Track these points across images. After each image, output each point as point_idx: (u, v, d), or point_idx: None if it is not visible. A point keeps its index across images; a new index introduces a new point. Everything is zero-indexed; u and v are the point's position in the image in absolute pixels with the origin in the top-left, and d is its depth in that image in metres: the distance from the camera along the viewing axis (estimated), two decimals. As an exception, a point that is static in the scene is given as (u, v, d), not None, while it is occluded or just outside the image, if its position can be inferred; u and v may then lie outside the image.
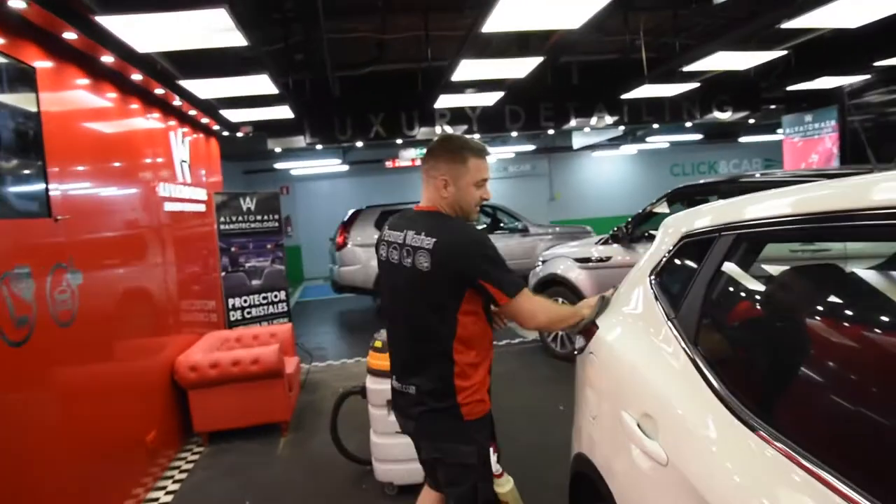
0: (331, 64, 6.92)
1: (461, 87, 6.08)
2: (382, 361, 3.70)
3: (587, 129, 9.04)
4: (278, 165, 14.17)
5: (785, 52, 5.50)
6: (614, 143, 14.64)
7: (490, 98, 6.50)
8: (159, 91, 4.64)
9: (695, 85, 6.73)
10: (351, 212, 10.29)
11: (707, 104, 8.52)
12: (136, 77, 4.21)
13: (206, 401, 4.82)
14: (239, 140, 8.01)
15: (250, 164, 14.25)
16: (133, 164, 4.46)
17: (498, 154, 16.22)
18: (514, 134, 8.75)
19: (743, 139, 16.58)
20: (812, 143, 8.63)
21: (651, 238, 5.94)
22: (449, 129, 7.94)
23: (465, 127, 8.11)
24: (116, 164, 4.15)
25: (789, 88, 7.73)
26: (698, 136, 14.68)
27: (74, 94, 3.69)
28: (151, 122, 4.95)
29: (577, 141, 11.67)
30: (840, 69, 7.07)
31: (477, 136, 8.48)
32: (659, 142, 15.45)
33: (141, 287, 4.41)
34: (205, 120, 5.92)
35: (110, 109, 4.17)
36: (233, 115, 5.97)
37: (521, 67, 5.09)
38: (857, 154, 7.93)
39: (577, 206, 17.30)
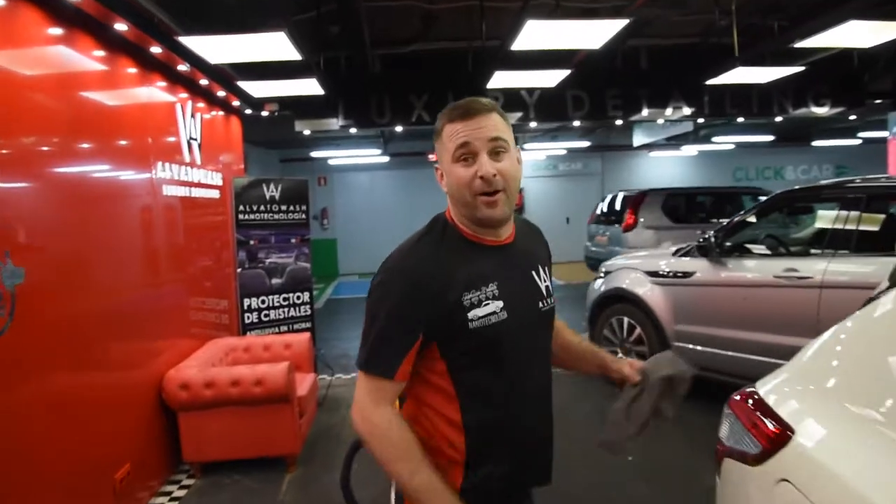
0: (370, 39, 6.03)
1: (521, 62, 5.08)
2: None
3: (661, 122, 7.93)
4: (316, 154, 13.38)
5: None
6: (674, 142, 13.43)
7: (553, 77, 5.49)
8: (156, 50, 3.77)
9: (798, 69, 5.60)
10: (637, 192, 9.78)
11: (801, 96, 7.33)
12: (120, 27, 3.34)
13: (198, 426, 3.97)
14: (268, 121, 7.17)
15: (287, 151, 13.52)
16: (117, 138, 3.61)
17: (548, 150, 15.15)
18: (577, 123, 7.71)
19: (816, 143, 15.14)
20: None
21: (746, 252, 4.90)
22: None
23: (520, 114, 7.10)
24: (91, 138, 3.30)
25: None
26: (769, 137, 13.34)
27: (28, 44, 2.85)
28: (150, 90, 4.10)
29: (639, 138, 10.53)
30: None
31: (533, 125, 7.47)
32: (724, 142, 14.13)
33: (117, 285, 3.55)
34: (221, 93, 5.07)
35: (87, 72, 3.33)
36: (253, 88, 5.09)
37: (597, 34, 4.08)
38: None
39: (630, 209, 16.12)
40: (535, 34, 4.08)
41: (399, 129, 7.46)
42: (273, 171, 13.25)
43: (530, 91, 6.95)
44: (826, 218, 4.97)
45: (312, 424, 4.64)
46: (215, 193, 5.28)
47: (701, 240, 4.82)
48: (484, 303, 1.32)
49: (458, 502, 1.28)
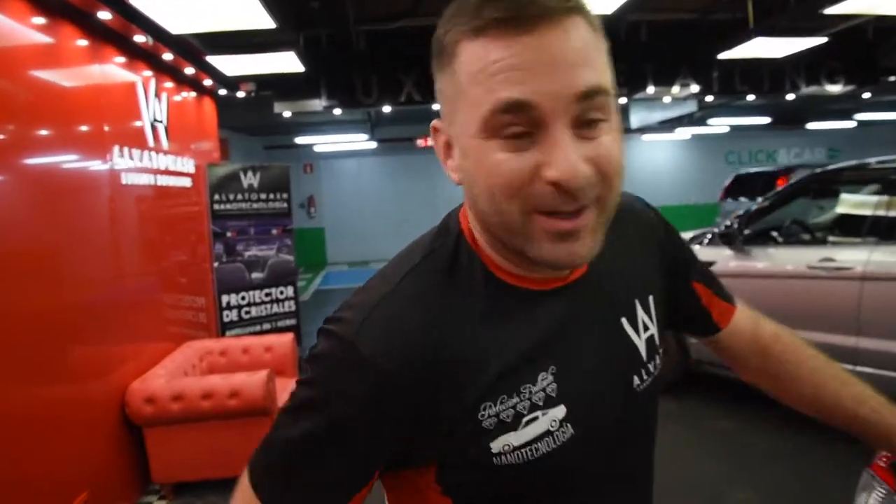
0: (354, 15, 5.49)
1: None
2: None
3: (667, 100, 7.45)
4: (301, 140, 12.81)
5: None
6: (667, 126, 12.99)
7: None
8: (105, 16, 3.22)
9: (819, 40, 5.12)
10: (780, 167, 9.12)
11: (815, 73, 6.87)
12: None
13: (167, 443, 3.48)
14: (245, 104, 6.62)
15: (271, 138, 12.93)
16: (64, 121, 3.08)
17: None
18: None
19: (810, 125, 14.76)
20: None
21: (771, 240, 4.45)
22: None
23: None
24: (31, 122, 2.78)
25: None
26: (766, 120, 12.92)
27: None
28: (105, 67, 3.55)
29: (637, 118, 10.03)
30: None
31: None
32: (719, 125, 13.70)
33: (72, 283, 3.04)
34: (189, 70, 4.52)
35: (25, 45, 2.80)
36: (227, 64, 4.55)
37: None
38: None
39: (623, 194, 15.72)
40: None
41: (387, 109, 6.93)
42: (257, 159, 12.67)
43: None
44: (851, 203, 4.54)
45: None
46: (187, 182, 4.74)
47: (724, 226, 4.37)
48: (527, 418, 0.67)
49: None
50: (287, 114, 6.72)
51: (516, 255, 0.68)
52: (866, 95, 7.65)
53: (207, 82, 4.93)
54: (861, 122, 14.06)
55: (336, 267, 14.41)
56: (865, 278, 3.57)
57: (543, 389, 0.68)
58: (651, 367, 0.80)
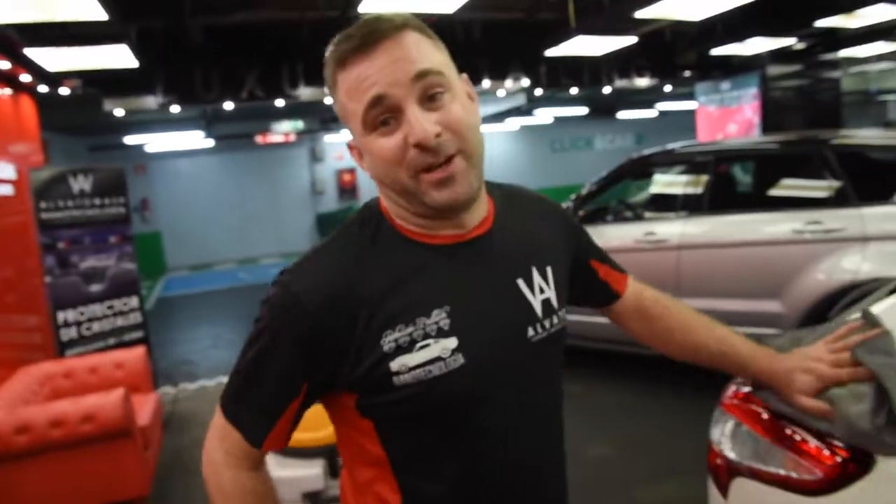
0: (190, 6, 5.14)
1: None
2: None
3: (501, 93, 7.79)
4: (130, 140, 11.71)
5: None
6: (498, 117, 13.63)
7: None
8: None
9: (631, 39, 5.65)
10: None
11: (626, 69, 7.55)
12: None
13: (14, 481, 3.08)
14: (70, 102, 5.96)
15: (96, 139, 11.70)
16: None
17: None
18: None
19: (620, 115, 16.21)
20: (729, 113, 7.96)
21: (602, 220, 4.85)
22: (344, 90, 6.32)
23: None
24: None
25: (714, 52, 6.91)
26: (584, 110, 13.98)
27: None
28: None
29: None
30: (768, 31, 6.31)
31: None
32: (544, 116, 14.61)
33: None
34: (5, 65, 3.97)
35: None
36: (48, 58, 4.04)
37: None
38: (776, 125, 7.33)
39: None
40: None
41: (230, 106, 6.56)
42: (82, 161, 11.34)
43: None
44: (663, 182, 5.09)
45: (160, 454, 3.86)
46: (7, 189, 4.19)
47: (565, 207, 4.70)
48: (420, 344, 0.82)
49: None
50: (119, 112, 6.13)
51: (421, 215, 0.86)
52: (667, 88, 8.55)
53: (25, 78, 4.36)
54: (662, 112, 15.68)
55: (177, 272, 13.45)
56: (681, 247, 4.03)
57: (437, 322, 0.84)
58: (547, 323, 0.93)
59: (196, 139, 12.12)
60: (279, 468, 2.27)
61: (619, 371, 4.55)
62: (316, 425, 2.22)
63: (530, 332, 0.91)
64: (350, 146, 0.92)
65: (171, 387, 5.26)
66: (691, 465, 3.18)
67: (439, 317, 0.84)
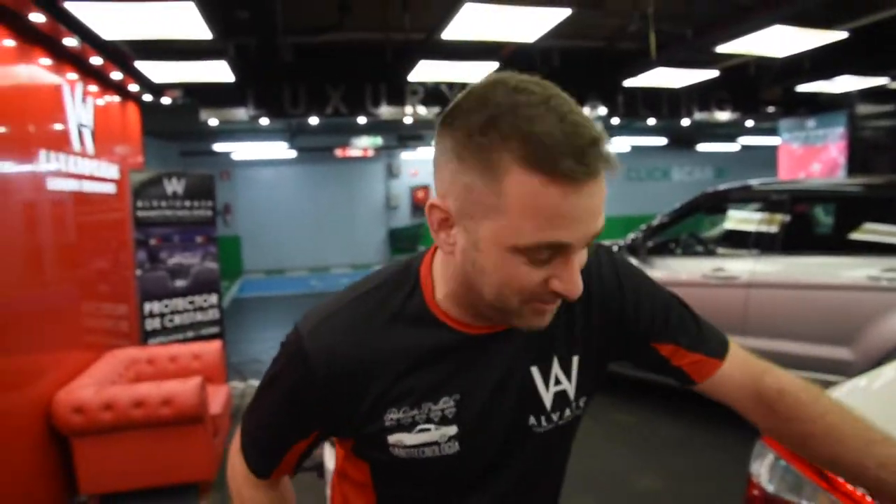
0: (282, 27, 5.48)
1: (447, 54, 4.73)
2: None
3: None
4: (218, 147, 12.41)
5: (846, 35, 4.39)
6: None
7: (481, 70, 5.18)
8: (37, 18, 3.10)
9: (712, 73, 5.61)
10: None
11: (706, 101, 7.46)
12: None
13: (97, 453, 3.35)
14: (168, 110, 6.42)
15: (187, 144, 12.46)
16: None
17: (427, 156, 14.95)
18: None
19: (700, 147, 15.86)
20: (813, 152, 7.71)
21: (670, 252, 4.82)
22: (422, 110, 6.56)
23: (437, 108, 6.75)
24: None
25: (800, 89, 6.74)
26: (662, 141, 13.78)
27: None
28: (31, 68, 3.40)
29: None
30: (857, 69, 6.10)
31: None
32: (621, 144, 14.47)
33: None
34: (117, 75, 4.37)
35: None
36: (155, 70, 4.43)
37: (534, 25, 3.80)
38: (864, 165, 7.05)
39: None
40: (470, 21, 3.74)
41: (315, 121, 6.91)
42: (173, 164, 12.18)
43: (450, 85, 6.62)
44: (737, 219, 4.99)
45: (226, 443, 4.10)
46: (111, 188, 4.57)
47: (630, 239, 4.70)
48: (420, 426, 0.83)
49: None
50: (213, 122, 6.57)
51: (474, 312, 0.82)
52: (749, 123, 8.36)
53: (133, 87, 4.77)
54: (744, 146, 15.25)
55: (253, 275, 14.06)
56: (751, 286, 3.95)
57: (442, 410, 0.83)
58: (555, 416, 0.89)
59: (280, 150, 12.70)
60: (334, 461, 2.40)
61: (675, 403, 4.49)
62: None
63: (532, 420, 0.88)
64: (434, 206, 0.76)
65: (240, 381, 5.54)
66: (738, 500, 3.13)
67: (447, 404, 0.84)
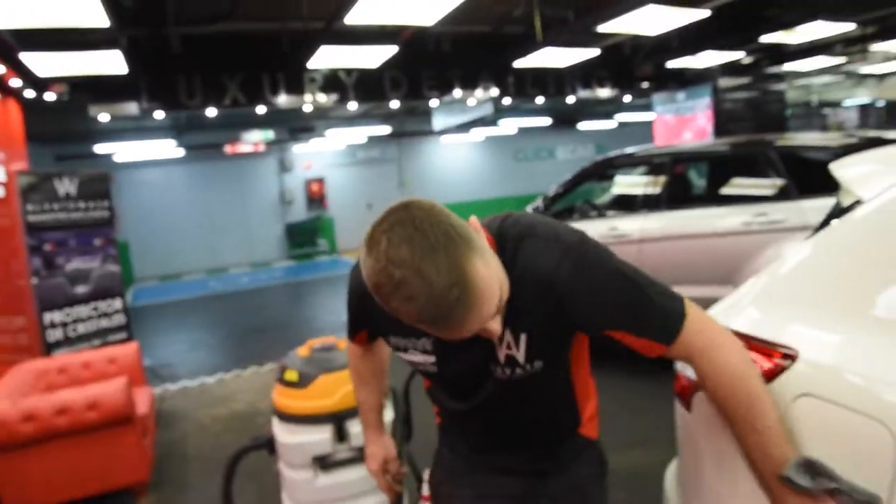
0: (173, 16, 5.29)
1: (347, 39, 4.78)
2: (301, 402, 2.44)
3: (472, 102, 8.10)
4: (100, 149, 11.60)
5: (709, 13, 4.88)
6: (464, 128, 13.97)
7: (380, 55, 5.25)
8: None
9: (594, 52, 6.01)
10: None
11: (588, 80, 7.95)
12: None
13: (19, 468, 3.17)
14: (44, 110, 6.01)
15: (63, 147, 11.56)
16: None
17: (349, 139, 14.89)
18: (396, 104, 7.55)
19: (581, 126, 16.72)
20: (684, 121, 8.42)
21: (570, 216, 5.15)
22: (322, 98, 6.53)
23: (336, 96, 6.75)
24: None
25: (670, 65, 7.34)
26: (547, 121, 14.42)
27: None
28: None
29: (440, 122, 10.69)
30: (718, 45, 6.75)
31: (354, 105, 7.17)
32: (509, 126, 15.00)
33: None
34: (-4, 70, 4.08)
35: None
36: (42, 63, 4.15)
37: (434, 9, 3.94)
38: (727, 133, 7.80)
39: (426, 192, 16.42)
40: (372, 6, 3.83)
41: (213, 112, 6.69)
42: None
43: (349, 71, 6.63)
44: (625, 183, 5.43)
45: (154, 446, 3.99)
46: (-3, 192, 4.28)
47: (533, 208, 4.98)
48: (410, 350, 1.24)
49: (374, 420, 1.59)
50: (104, 118, 6.20)
51: None
52: (627, 98, 8.98)
53: (15, 82, 4.45)
54: (621, 123, 16.25)
55: (145, 282, 13.35)
56: (642, 241, 4.35)
57: (423, 344, 1.20)
58: (507, 370, 1.17)
59: (167, 149, 12.09)
60: (290, 435, 2.46)
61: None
62: (323, 394, 2.43)
63: (492, 366, 1.18)
64: None
65: (156, 387, 5.34)
66: (653, 434, 3.48)
67: (425, 342, 1.19)
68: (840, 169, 1.55)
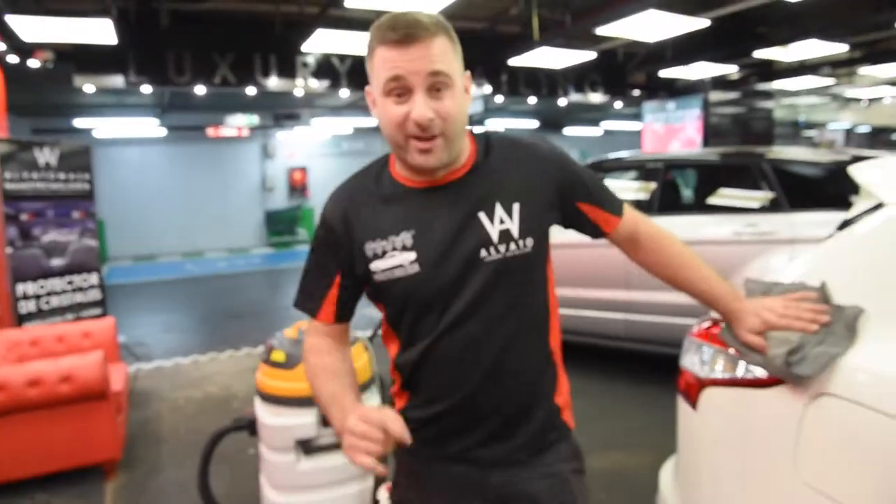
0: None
1: (344, 24, 4.71)
2: (287, 383, 2.40)
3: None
4: (80, 123, 11.35)
5: (708, 22, 4.91)
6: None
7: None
8: None
9: (591, 55, 6.02)
10: None
11: (581, 84, 7.97)
12: None
13: (-16, 439, 3.08)
14: (27, 78, 5.85)
15: (40, 121, 11.29)
16: None
17: (335, 130, 14.77)
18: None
19: (567, 131, 16.80)
20: (673, 131, 8.49)
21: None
22: (314, 82, 6.44)
23: (328, 82, 6.66)
24: None
25: (662, 74, 7.39)
26: (535, 124, 14.47)
27: None
28: None
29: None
30: (711, 57, 6.82)
31: (346, 93, 7.09)
32: (496, 126, 15.01)
33: None
34: (-20, 31, 3.94)
35: None
36: (27, 27, 4.03)
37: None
38: (715, 145, 7.88)
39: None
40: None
41: (202, 90, 6.56)
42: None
43: (342, 58, 6.55)
44: (616, 187, 5.44)
45: (127, 423, 3.89)
46: (-26, 156, 4.14)
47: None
48: (388, 254, 1.16)
49: (353, 409, 1.10)
50: (89, 88, 6.04)
51: (405, 165, 1.17)
52: (618, 105, 9.04)
53: (-2, 46, 4.32)
54: (607, 131, 16.36)
55: (119, 262, 13.09)
56: None
57: (402, 240, 1.16)
58: (502, 248, 1.17)
59: (148, 127, 11.88)
60: (274, 417, 2.41)
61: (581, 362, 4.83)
62: (311, 377, 2.38)
63: (483, 253, 1.15)
64: (367, 92, 1.19)
65: (129, 365, 5.23)
66: (632, 437, 3.49)
67: (405, 237, 1.16)
68: (861, 172, 1.56)
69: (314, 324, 1.27)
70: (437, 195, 1.17)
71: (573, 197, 1.27)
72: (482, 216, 1.16)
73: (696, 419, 1.50)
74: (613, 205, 1.32)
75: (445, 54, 1.08)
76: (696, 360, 1.50)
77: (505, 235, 1.17)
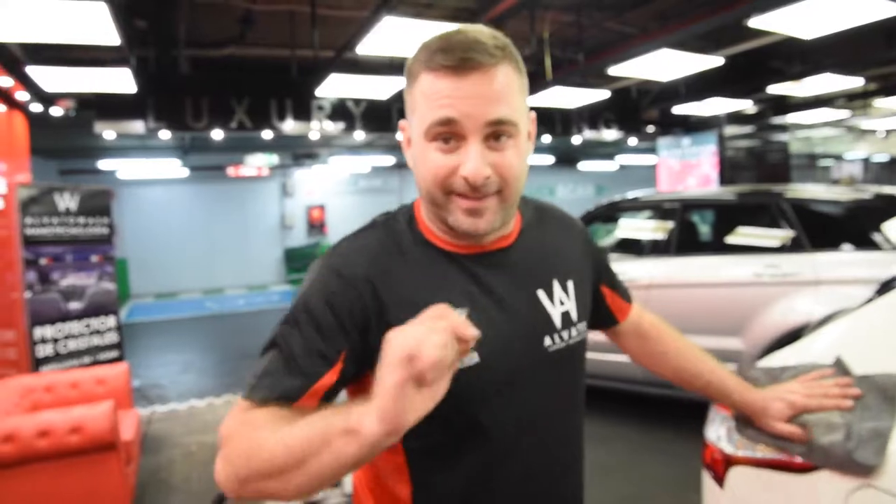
0: (184, 38, 5.27)
1: (357, 69, 4.73)
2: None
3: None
4: (104, 165, 11.55)
5: (722, 61, 4.86)
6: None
7: (390, 85, 5.20)
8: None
9: (605, 94, 5.99)
10: None
11: (595, 121, 7.95)
12: None
13: (-6, 491, 3.01)
14: (49, 125, 5.94)
15: (67, 162, 11.51)
16: None
17: (352, 168, 14.88)
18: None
19: (581, 166, 16.77)
20: (689, 167, 8.39)
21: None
22: (329, 125, 6.48)
23: (343, 125, 6.70)
24: None
25: (675, 110, 7.34)
26: (550, 160, 14.46)
27: None
28: None
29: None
30: (725, 93, 6.75)
31: (361, 135, 7.11)
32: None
33: None
34: (6, 82, 4.01)
35: None
36: (49, 77, 4.09)
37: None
38: (731, 181, 7.78)
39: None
40: (387, 35, 3.78)
41: (219, 135, 6.63)
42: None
43: (357, 101, 6.60)
44: (629, 227, 5.33)
45: (138, 471, 3.81)
46: (-4, 203, 4.17)
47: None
48: None
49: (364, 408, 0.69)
50: (109, 135, 6.13)
51: (445, 226, 0.90)
52: (632, 141, 8.98)
53: (22, 95, 4.38)
54: (622, 165, 16.31)
55: (141, 299, 13.17)
56: (651, 287, 4.24)
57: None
58: (565, 335, 0.96)
59: (171, 168, 12.06)
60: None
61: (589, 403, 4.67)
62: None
63: (547, 341, 0.94)
64: (402, 127, 0.94)
65: (143, 408, 5.17)
66: (655, 489, 3.32)
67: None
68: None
69: (253, 416, 0.79)
70: (493, 264, 0.93)
71: (599, 279, 1.12)
72: (541, 295, 0.96)
73: (723, 498, 1.37)
74: (626, 291, 1.20)
75: (511, 91, 0.83)
76: (723, 435, 1.38)
77: (566, 319, 0.97)
